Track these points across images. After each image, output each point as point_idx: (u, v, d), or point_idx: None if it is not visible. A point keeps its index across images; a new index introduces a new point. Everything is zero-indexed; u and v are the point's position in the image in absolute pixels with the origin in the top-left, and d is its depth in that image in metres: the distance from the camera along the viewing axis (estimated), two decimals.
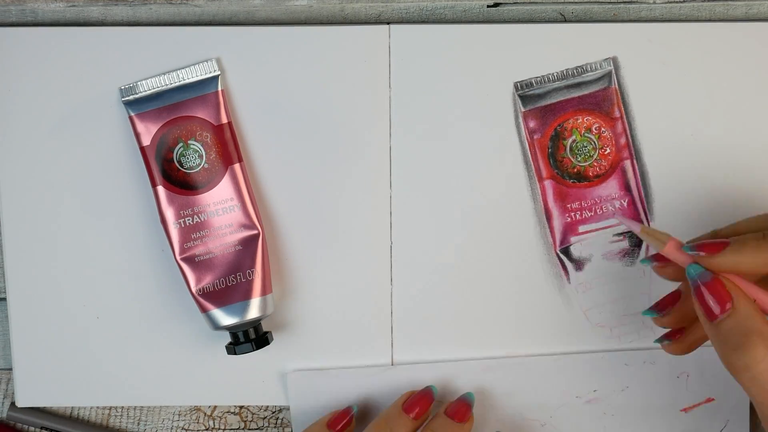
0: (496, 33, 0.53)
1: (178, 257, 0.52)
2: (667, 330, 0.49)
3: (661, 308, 0.48)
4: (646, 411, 0.55)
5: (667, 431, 0.55)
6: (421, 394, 0.53)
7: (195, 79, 0.52)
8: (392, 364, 0.55)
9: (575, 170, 0.54)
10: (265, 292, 0.52)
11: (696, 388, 0.54)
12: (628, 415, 0.55)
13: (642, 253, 0.54)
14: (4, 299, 0.55)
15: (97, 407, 0.56)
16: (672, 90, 0.53)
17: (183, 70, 0.52)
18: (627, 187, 0.54)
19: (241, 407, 0.56)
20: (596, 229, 0.54)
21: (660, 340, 0.49)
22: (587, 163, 0.53)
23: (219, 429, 0.57)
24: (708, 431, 0.55)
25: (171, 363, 0.54)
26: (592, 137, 0.53)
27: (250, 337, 0.52)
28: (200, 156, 0.52)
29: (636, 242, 0.54)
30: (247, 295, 0.52)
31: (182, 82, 0.52)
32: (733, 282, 0.43)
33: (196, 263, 0.52)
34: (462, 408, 0.52)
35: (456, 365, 0.54)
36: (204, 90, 0.52)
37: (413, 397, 0.53)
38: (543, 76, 0.53)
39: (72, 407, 0.56)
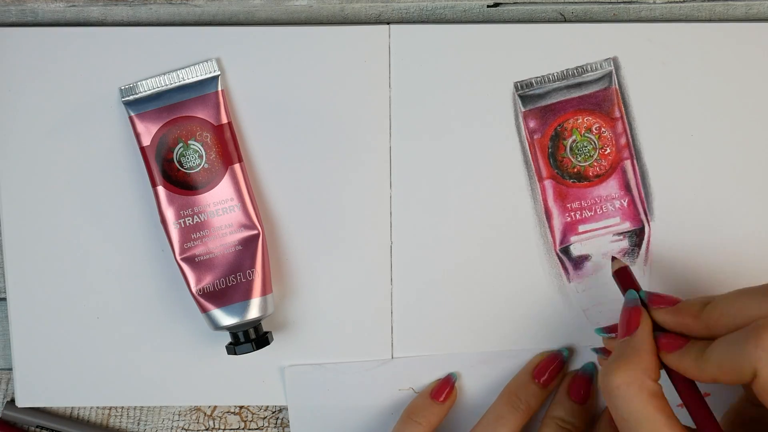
0: (496, 33, 0.53)
1: (178, 257, 0.52)
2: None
3: (612, 330, 0.51)
4: None
5: None
6: (551, 358, 0.53)
7: (195, 79, 0.52)
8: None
9: (575, 170, 0.54)
10: (265, 292, 0.52)
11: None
12: None
13: (641, 256, 0.54)
14: (4, 299, 0.55)
15: (97, 407, 0.56)
16: (672, 90, 0.53)
17: (183, 70, 0.52)
18: (627, 187, 0.54)
19: (241, 407, 0.56)
20: (596, 229, 0.54)
21: (597, 350, 0.53)
22: (587, 163, 0.54)
23: (219, 429, 0.57)
24: None
25: (171, 363, 0.54)
26: (593, 137, 0.53)
27: (250, 337, 0.52)
28: (200, 156, 0.52)
29: (636, 242, 0.54)
30: (247, 295, 0.52)
31: (182, 82, 0.52)
32: (647, 316, 0.47)
33: (196, 263, 0.52)
34: (583, 385, 0.52)
35: (454, 357, 0.54)
36: (204, 90, 0.52)
37: (543, 363, 0.53)
38: (543, 76, 0.53)
39: (72, 407, 0.56)
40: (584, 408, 0.52)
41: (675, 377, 0.46)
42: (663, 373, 0.46)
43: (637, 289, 0.49)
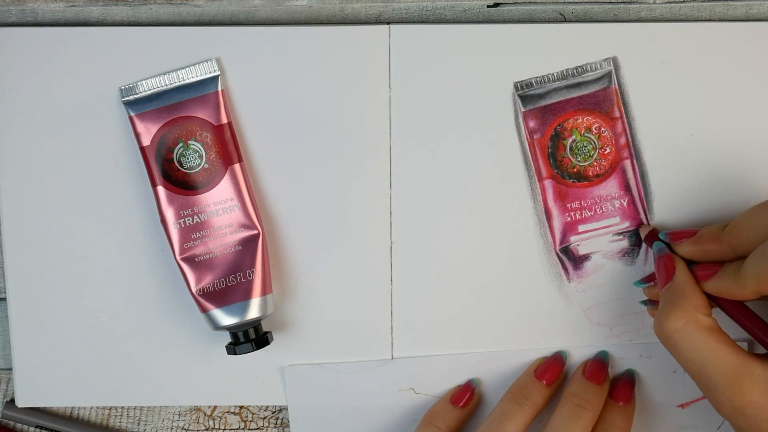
0: (496, 33, 0.53)
1: (178, 257, 0.52)
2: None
3: (650, 280, 0.52)
4: (642, 407, 0.55)
5: (664, 427, 0.55)
6: (552, 359, 0.53)
7: (195, 79, 0.52)
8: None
9: (575, 170, 0.54)
10: (265, 292, 0.52)
11: (693, 383, 0.53)
12: None
13: (641, 256, 0.54)
14: (4, 299, 0.55)
15: (97, 407, 0.56)
16: (672, 90, 0.53)
17: (183, 70, 0.52)
18: (627, 187, 0.54)
19: (241, 407, 0.56)
20: (596, 229, 0.54)
21: (645, 302, 0.53)
22: (587, 163, 0.54)
23: (219, 429, 0.57)
24: (705, 428, 0.55)
25: (171, 363, 0.54)
26: (592, 137, 0.53)
27: (250, 337, 0.52)
28: (200, 156, 0.52)
29: (636, 242, 0.54)
30: (247, 295, 0.52)
31: (182, 82, 0.52)
32: (679, 257, 0.49)
33: (196, 263, 0.52)
34: (599, 368, 0.53)
35: (453, 358, 0.54)
36: (204, 90, 0.52)
37: (544, 364, 0.53)
38: (543, 76, 0.53)
39: (72, 407, 0.56)
40: (600, 388, 0.52)
41: (724, 304, 0.47)
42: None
43: (654, 229, 0.51)
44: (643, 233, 0.53)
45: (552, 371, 0.53)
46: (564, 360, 0.54)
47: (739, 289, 0.45)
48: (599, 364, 0.53)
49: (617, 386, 0.53)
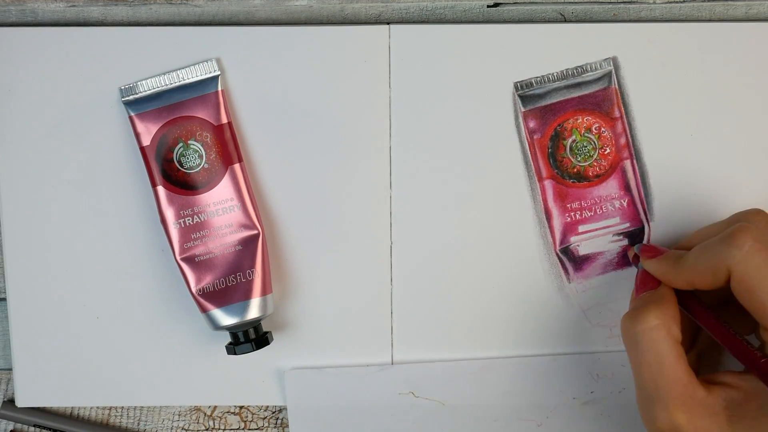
0: (496, 33, 0.53)
1: (178, 257, 0.52)
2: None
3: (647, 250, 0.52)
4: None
5: None
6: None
7: (195, 79, 0.52)
8: (392, 364, 0.55)
9: (575, 170, 0.54)
10: (265, 292, 0.52)
11: None
12: (624, 417, 0.55)
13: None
14: (4, 299, 0.55)
15: (97, 407, 0.56)
16: (672, 90, 0.53)
17: (183, 70, 0.52)
18: (627, 187, 0.54)
19: (241, 407, 0.56)
20: (596, 229, 0.54)
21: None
22: (587, 163, 0.54)
23: (219, 429, 0.57)
24: None
25: (171, 363, 0.54)
26: (592, 137, 0.53)
27: (250, 337, 0.52)
28: (200, 156, 0.52)
29: (636, 242, 0.54)
30: (247, 295, 0.52)
31: (182, 82, 0.52)
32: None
33: (196, 263, 0.52)
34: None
35: (454, 365, 0.54)
36: (204, 90, 0.52)
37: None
38: (543, 76, 0.53)
39: (72, 407, 0.56)
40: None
41: (692, 307, 0.48)
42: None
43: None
44: (631, 254, 0.53)
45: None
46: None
47: (674, 275, 0.47)
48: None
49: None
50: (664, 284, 0.48)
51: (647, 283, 0.49)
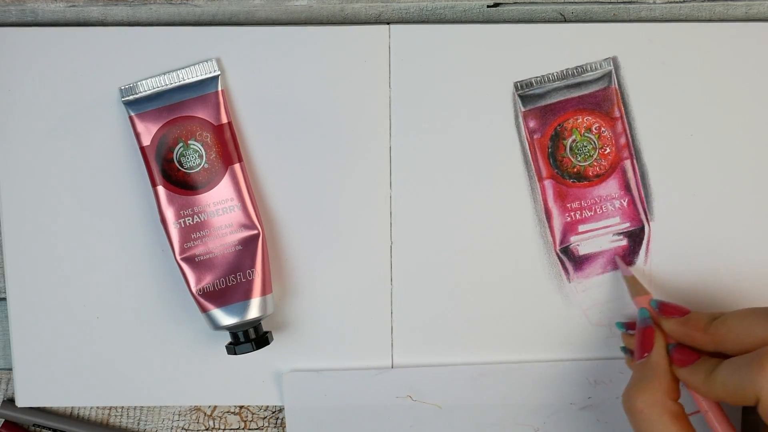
0: (496, 33, 0.53)
1: (178, 257, 0.52)
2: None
3: (630, 327, 0.52)
4: None
5: None
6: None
7: (195, 79, 0.52)
8: (392, 364, 0.55)
9: (575, 170, 0.54)
10: (265, 292, 0.52)
11: (690, 396, 0.54)
12: (621, 423, 0.55)
13: (641, 256, 0.54)
14: (4, 299, 0.55)
15: (97, 407, 0.56)
16: (672, 90, 0.53)
17: (183, 70, 0.52)
18: (627, 187, 0.54)
19: (241, 407, 0.56)
20: (596, 229, 0.54)
21: (623, 349, 0.52)
22: (587, 163, 0.54)
23: (219, 429, 0.57)
24: None
25: (171, 363, 0.54)
26: (592, 137, 0.53)
27: (250, 337, 0.52)
28: (200, 156, 0.52)
29: (636, 242, 0.54)
30: (247, 295, 0.52)
31: (182, 82, 0.52)
32: (660, 334, 0.49)
33: (196, 263, 0.52)
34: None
35: (452, 369, 0.54)
36: (204, 90, 0.52)
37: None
38: (543, 76, 0.53)
39: (72, 407, 0.56)
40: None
41: (695, 397, 0.48)
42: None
43: (647, 295, 0.51)
44: (631, 292, 0.52)
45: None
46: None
47: (706, 390, 0.46)
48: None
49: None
50: (658, 350, 0.48)
51: (646, 346, 0.49)
